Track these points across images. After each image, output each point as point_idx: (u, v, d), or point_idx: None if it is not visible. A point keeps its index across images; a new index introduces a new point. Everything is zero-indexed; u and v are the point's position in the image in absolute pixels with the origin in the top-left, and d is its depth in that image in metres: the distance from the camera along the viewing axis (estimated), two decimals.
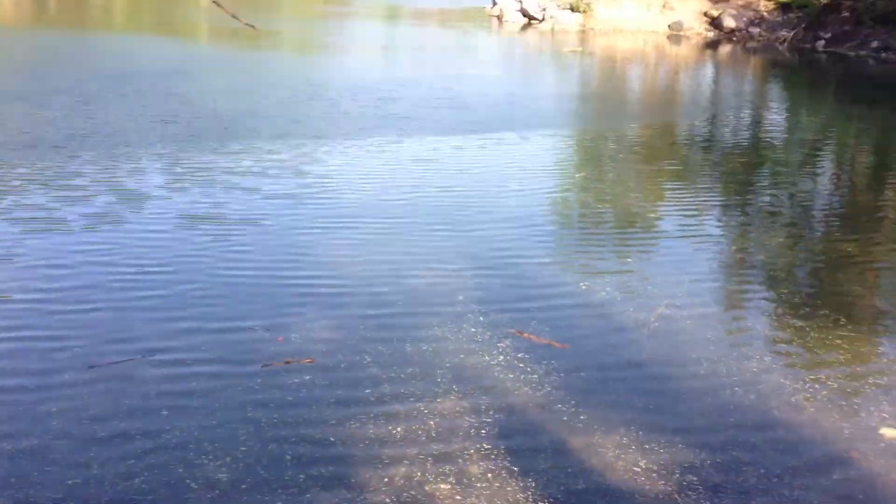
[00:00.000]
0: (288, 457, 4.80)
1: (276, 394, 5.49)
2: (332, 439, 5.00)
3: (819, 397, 5.66)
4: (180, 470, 4.63)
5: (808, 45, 31.72)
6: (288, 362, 5.91)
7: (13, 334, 6.21)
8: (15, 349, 6.00)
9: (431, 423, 5.21)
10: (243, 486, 4.50)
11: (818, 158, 14.45)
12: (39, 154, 11.40)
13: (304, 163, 11.51)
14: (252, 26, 9.53)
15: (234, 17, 6.48)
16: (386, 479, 4.62)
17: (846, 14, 32.05)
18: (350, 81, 18.93)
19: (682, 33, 35.74)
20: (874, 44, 29.76)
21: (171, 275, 7.41)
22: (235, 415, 5.22)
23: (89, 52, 23.16)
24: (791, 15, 34.20)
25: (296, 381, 5.66)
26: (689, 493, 4.54)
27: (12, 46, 24.26)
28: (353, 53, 25.37)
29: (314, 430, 5.08)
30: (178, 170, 10.87)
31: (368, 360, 5.99)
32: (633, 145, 14.47)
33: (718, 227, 9.89)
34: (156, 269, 7.55)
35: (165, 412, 5.23)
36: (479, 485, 4.60)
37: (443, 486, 4.58)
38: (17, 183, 10.11)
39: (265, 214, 9.21)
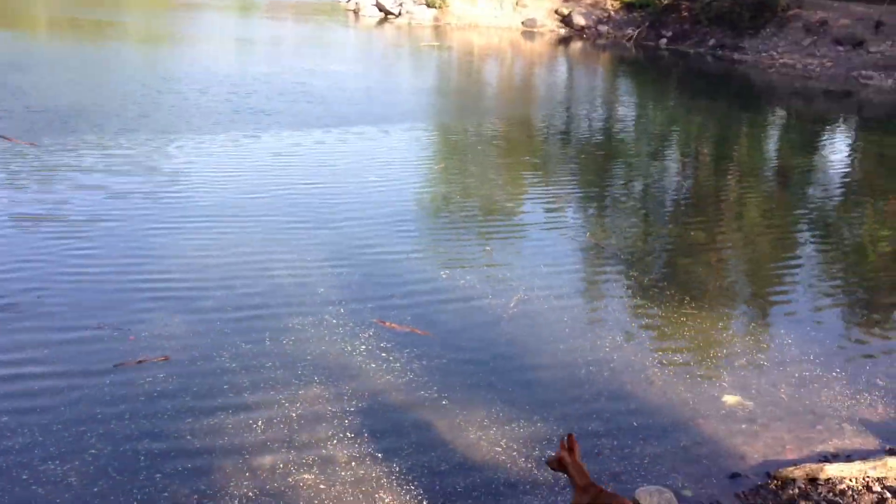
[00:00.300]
0: (142, 456, 4.62)
1: (129, 392, 5.27)
2: (189, 435, 4.84)
3: (667, 371, 5.97)
4: (25, 475, 4.37)
5: (651, 43, 33.36)
6: (140, 361, 5.68)
7: None
8: None
9: (293, 413, 5.14)
10: (95, 489, 4.30)
11: (665, 149, 15.20)
12: None
13: (155, 159, 11.06)
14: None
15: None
16: (248, 472, 4.52)
17: (685, 14, 33.92)
18: (201, 75, 18.32)
19: (535, 30, 36.73)
20: (711, 41, 31.64)
21: (10, 278, 6.96)
22: (84, 416, 4.97)
23: None
24: (635, 14, 35.83)
25: (149, 379, 5.45)
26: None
27: None
28: (205, 47, 24.53)
29: (170, 427, 4.91)
30: (14, 167, 10.20)
31: (226, 355, 5.84)
32: (491, 138, 14.74)
33: (574, 216, 10.24)
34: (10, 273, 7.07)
35: (5, 417, 4.91)
36: (343, 472, 4.58)
37: (307, 475, 4.53)
38: None
39: (112, 213, 8.77)
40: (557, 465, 4.00)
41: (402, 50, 28.58)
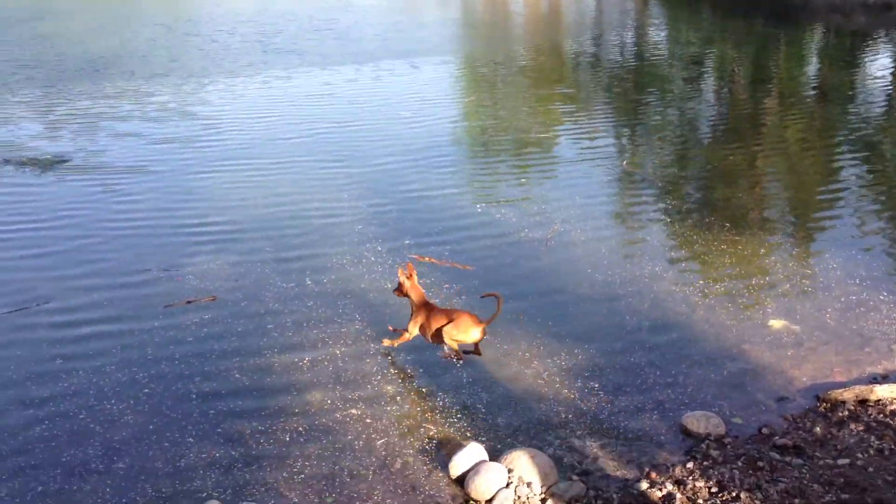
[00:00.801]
0: (194, 394, 4.72)
1: (179, 333, 5.37)
2: (238, 374, 4.93)
3: (709, 299, 5.92)
4: (82, 415, 4.49)
5: None
6: (189, 302, 5.76)
7: None
8: None
9: (337, 350, 5.20)
10: (150, 427, 4.41)
11: (700, 73, 14.86)
12: None
13: (188, 103, 11.08)
14: None
15: None
16: (297, 408, 4.61)
17: None
18: (227, 16, 18.18)
19: None
20: None
21: (60, 227, 7.07)
22: (137, 357, 5.08)
23: None
24: None
25: (197, 320, 5.54)
26: (592, 396, 4.71)
27: None
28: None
29: (219, 366, 5.00)
30: (53, 117, 10.28)
31: (269, 295, 5.91)
32: (521, 68, 14.51)
33: (608, 144, 10.09)
34: (44, 221, 7.19)
35: (60, 361, 5.04)
36: (388, 407, 4.64)
37: (353, 410, 4.60)
38: None
39: (152, 160, 8.85)
40: (399, 291, 4.87)
41: None
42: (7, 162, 8.47)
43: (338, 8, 19.83)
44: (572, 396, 4.73)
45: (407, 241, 6.89)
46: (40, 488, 3.94)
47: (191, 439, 4.32)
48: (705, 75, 14.83)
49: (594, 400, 4.68)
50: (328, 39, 15.86)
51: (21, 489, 3.93)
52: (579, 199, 7.96)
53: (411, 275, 4.83)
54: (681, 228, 7.32)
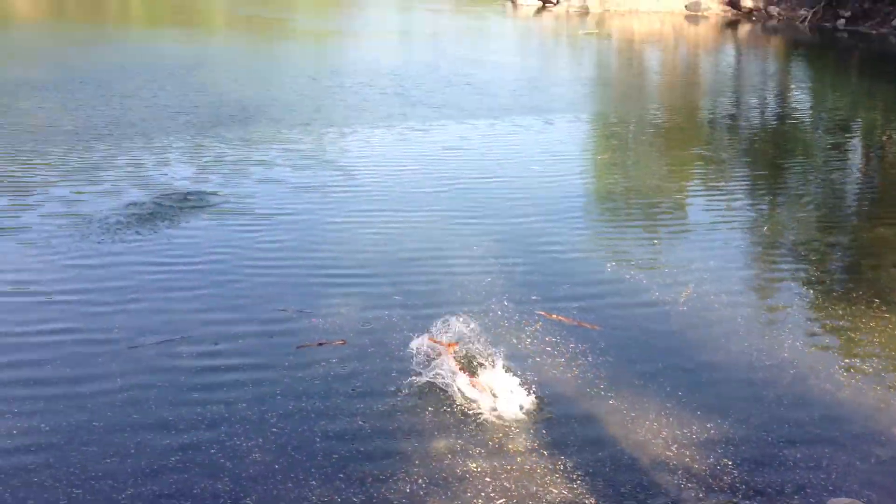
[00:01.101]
0: (318, 436, 4.78)
1: (308, 374, 5.48)
2: (362, 419, 4.97)
3: (855, 378, 5.57)
4: (213, 449, 4.63)
5: (828, 24, 31.36)
6: (321, 344, 5.89)
7: (57, 327, 6.21)
8: (58, 341, 5.99)
9: (461, 404, 5.17)
10: (276, 466, 4.49)
11: (846, 138, 14.26)
12: (62, 145, 11.43)
13: (328, 152, 11.46)
14: None
15: None
16: (417, 458, 4.59)
17: None
18: (367, 69, 18.86)
19: (699, 14, 35.41)
20: (894, 21, 29.35)
21: (205, 266, 7.39)
22: (267, 395, 5.21)
23: (109, 45, 23.17)
24: None
25: (327, 361, 5.64)
26: (726, 474, 4.48)
27: (33, 40, 24.34)
28: (368, 41, 25.25)
29: (345, 408, 5.06)
30: (204, 161, 10.84)
31: (396, 341, 5.96)
32: (656, 128, 14.33)
33: (747, 209, 9.77)
34: (188, 260, 7.53)
35: (196, 394, 5.23)
36: (510, 464, 4.56)
37: (474, 465, 4.55)
38: (43, 175, 10.13)
39: (292, 205, 9.13)
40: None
41: (561, 39, 28.30)
42: (160, 204, 8.96)
43: (474, 62, 20.25)
44: (704, 471, 4.51)
45: (534, 297, 6.83)
46: None
47: (314, 482, 4.37)
48: (852, 142, 14.21)
49: (727, 478, 4.45)
50: (465, 93, 16.19)
51: None
52: (714, 264, 7.71)
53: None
54: (824, 301, 6.95)
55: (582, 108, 15.97)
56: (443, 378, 5.30)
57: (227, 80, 16.95)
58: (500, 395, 5.17)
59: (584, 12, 36.19)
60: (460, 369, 5.37)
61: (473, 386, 5.24)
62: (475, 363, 5.53)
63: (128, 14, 31.27)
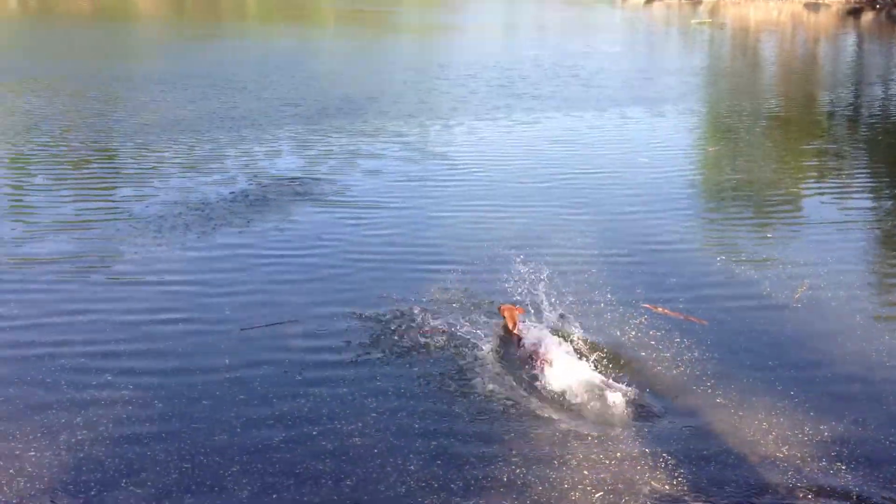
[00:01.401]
0: (417, 425, 4.80)
1: (407, 363, 5.52)
2: (459, 407, 4.97)
3: None
4: (315, 432, 4.72)
5: None
6: (423, 332, 5.91)
7: (170, 312, 6.48)
8: (171, 325, 6.24)
9: (563, 392, 5.09)
10: (375, 450, 4.55)
11: None
12: (178, 137, 11.90)
13: (435, 144, 11.54)
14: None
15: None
16: (520, 440, 4.56)
17: None
18: (473, 61, 18.87)
19: (819, 1, 33.84)
20: None
21: (312, 255, 7.53)
22: (366, 381, 5.27)
23: (223, 41, 24.00)
24: None
25: (427, 347, 5.66)
26: (839, 476, 4.27)
27: (153, 36, 25.46)
28: (474, 34, 25.26)
29: (442, 397, 5.07)
30: (312, 152, 11.10)
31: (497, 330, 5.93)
32: (771, 120, 13.80)
33: (867, 204, 9.29)
34: (296, 249, 7.68)
35: (299, 378, 5.35)
36: (610, 458, 4.47)
37: (571, 454, 4.48)
38: (159, 166, 10.58)
39: (397, 196, 9.24)
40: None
41: (672, 29, 27.57)
42: (270, 194, 9.21)
43: (581, 54, 19.97)
44: (816, 473, 4.31)
45: (639, 291, 6.68)
46: (275, 495, 4.17)
47: (412, 466, 4.41)
48: None
49: (841, 480, 4.23)
50: (572, 85, 16.00)
51: (259, 493, 4.19)
52: (831, 260, 7.35)
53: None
54: None
55: (693, 98, 15.52)
56: (543, 365, 5.24)
57: (334, 73, 17.30)
58: (602, 386, 5.08)
59: (697, 1, 35.15)
60: (561, 357, 5.28)
61: (572, 371, 5.17)
62: (579, 354, 5.45)
63: (243, 11, 32.31)
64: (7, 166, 10.49)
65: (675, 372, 5.39)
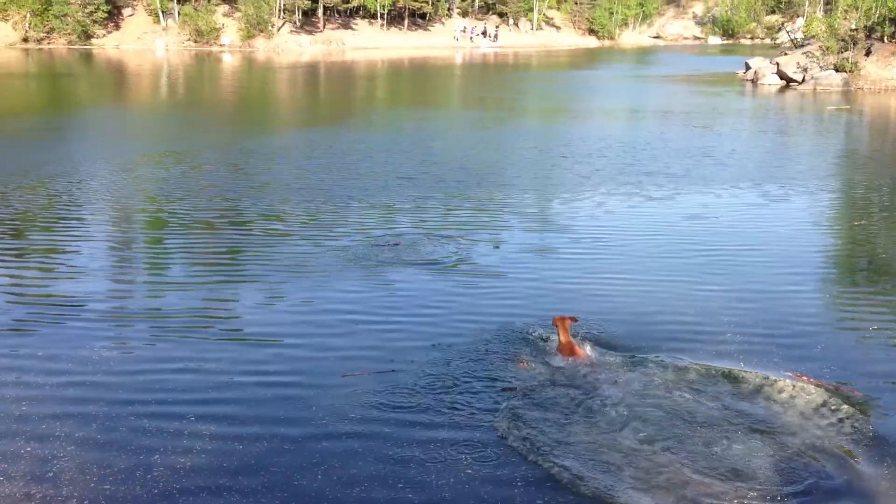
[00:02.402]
0: (522, 480, 4.59)
1: (517, 420, 5.33)
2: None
3: None
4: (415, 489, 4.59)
5: None
6: (509, 389, 5.74)
7: (284, 365, 6.64)
8: (285, 376, 6.36)
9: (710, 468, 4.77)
10: None
11: None
12: (299, 203, 12.19)
13: (558, 217, 11.35)
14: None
15: None
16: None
17: None
18: (598, 142, 18.79)
19: None
20: None
21: (421, 317, 7.45)
22: (474, 441, 5.12)
23: (346, 121, 24.92)
24: None
25: (533, 406, 5.47)
26: None
27: (294, 122, 26.75)
28: (599, 117, 25.22)
29: (577, 456, 4.85)
30: (429, 219, 11.10)
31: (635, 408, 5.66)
32: None
33: None
34: (410, 314, 7.55)
35: (400, 443, 5.24)
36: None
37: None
38: (280, 228, 10.88)
39: (520, 266, 8.97)
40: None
41: (807, 115, 26.81)
42: (385, 255, 9.21)
43: (713, 135, 19.68)
44: None
45: (775, 360, 6.30)
46: None
47: None
48: None
49: None
50: (704, 165, 15.63)
51: None
52: None
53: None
54: None
55: (831, 177, 14.93)
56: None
57: (455, 149, 17.62)
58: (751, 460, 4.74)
59: (834, 90, 34.20)
60: None
61: None
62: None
63: (371, 96, 33.58)
64: (141, 228, 11.06)
65: (824, 446, 4.97)
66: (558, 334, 6.24)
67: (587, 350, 6.20)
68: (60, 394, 5.80)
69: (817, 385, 5.81)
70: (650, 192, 12.95)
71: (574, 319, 6.32)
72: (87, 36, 59.84)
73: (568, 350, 6.09)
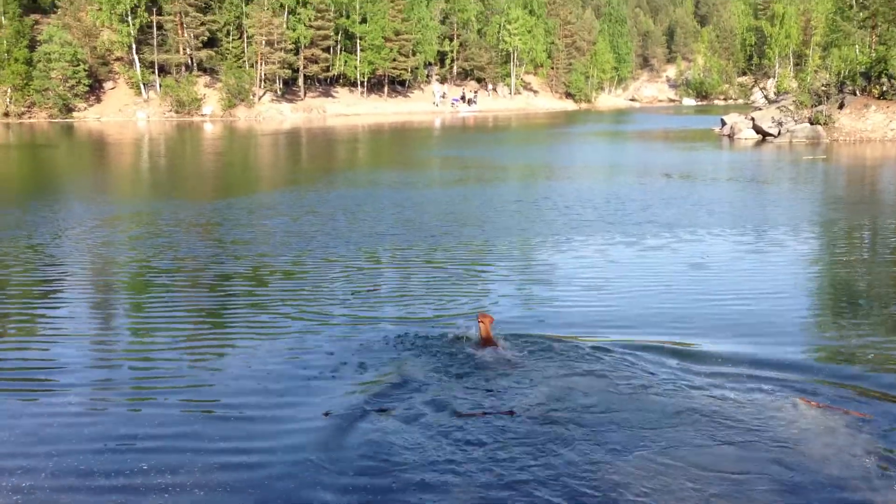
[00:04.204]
0: None
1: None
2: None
3: None
4: None
5: None
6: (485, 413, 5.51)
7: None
8: None
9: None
10: None
11: None
12: (283, 257, 12.00)
13: (565, 266, 11.05)
14: None
15: None
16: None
17: None
18: (580, 193, 18.82)
19: None
20: None
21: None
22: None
23: (338, 180, 24.85)
24: None
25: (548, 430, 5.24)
26: None
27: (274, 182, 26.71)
28: (579, 171, 25.31)
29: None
30: (417, 279, 10.94)
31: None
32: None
33: None
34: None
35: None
36: None
37: None
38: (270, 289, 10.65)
39: (530, 319, 8.38)
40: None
41: (784, 165, 27.10)
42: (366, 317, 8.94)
43: (700, 185, 19.76)
44: None
45: (792, 385, 6.10)
46: None
47: None
48: None
49: None
50: (699, 212, 15.60)
51: None
52: None
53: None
54: None
55: (810, 221, 14.94)
56: None
57: (434, 202, 17.51)
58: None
59: (810, 142, 34.76)
60: None
61: None
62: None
63: (352, 157, 33.64)
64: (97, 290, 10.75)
65: (831, 473, 4.77)
66: (478, 327, 7.07)
67: (502, 343, 7.05)
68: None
69: (828, 408, 5.62)
70: (639, 239, 12.86)
71: (492, 319, 7.18)
72: (69, 109, 60.06)
73: (487, 341, 6.95)
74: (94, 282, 10.55)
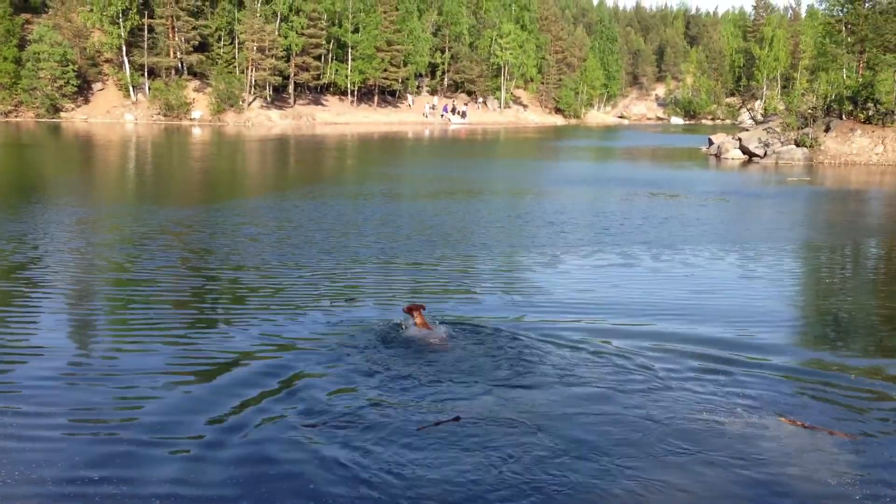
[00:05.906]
0: None
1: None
2: None
3: None
4: None
5: None
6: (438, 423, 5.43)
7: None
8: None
9: None
10: None
11: None
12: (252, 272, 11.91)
13: (547, 280, 11.03)
14: None
15: None
16: None
17: None
18: (565, 211, 18.83)
19: None
20: None
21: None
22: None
23: (325, 192, 24.74)
24: None
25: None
26: None
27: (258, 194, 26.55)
28: (565, 190, 25.32)
29: None
30: (403, 285, 10.88)
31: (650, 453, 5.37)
32: (870, 255, 13.13)
33: None
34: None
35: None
36: None
37: None
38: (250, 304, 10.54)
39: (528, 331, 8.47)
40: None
41: (768, 185, 27.24)
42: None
43: (690, 204, 19.80)
44: None
45: (778, 405, 6.05)
46: None
47: None
48: None
49: None
50: (692, 226, 15.64)
51: None
52: None
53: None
54: None
55: (792, 240, 14.99)
56: None
57: (422, 210, 17.46)
58: None
59: (795, 164, 35.01)
60: None
61: None
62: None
63: (339, 176, 33.58)
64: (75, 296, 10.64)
65: (824, 492, 4.70)
66: (414, 318, 7.60)
67: (440, 327, 7.67)
68: None
69: (812, 428, 5.57)
70: (626, 255, 12.84)
71: (423, 307, 7.73)
72: (56, 109, 59.68)
73: (423, 326, 7.54)
74: (50, 292, 10.40)
